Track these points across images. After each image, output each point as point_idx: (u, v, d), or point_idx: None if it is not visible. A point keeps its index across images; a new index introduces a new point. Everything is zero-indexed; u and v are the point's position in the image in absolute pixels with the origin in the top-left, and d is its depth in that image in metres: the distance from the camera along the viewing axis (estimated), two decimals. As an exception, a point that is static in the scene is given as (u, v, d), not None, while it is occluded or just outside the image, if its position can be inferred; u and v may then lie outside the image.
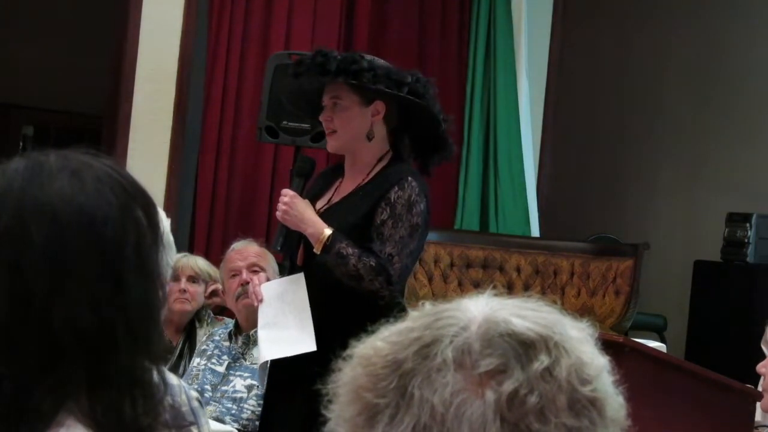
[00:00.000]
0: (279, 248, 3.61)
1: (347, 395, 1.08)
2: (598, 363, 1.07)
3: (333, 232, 3.40)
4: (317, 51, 3.51)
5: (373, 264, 3.37)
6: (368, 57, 3.54)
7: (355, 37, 6.62)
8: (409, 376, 1.04)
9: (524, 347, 1.04)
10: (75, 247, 1.25)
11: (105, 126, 6.46)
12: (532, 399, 1.02)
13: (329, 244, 3.39)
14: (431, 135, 3.58)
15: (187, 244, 6.08)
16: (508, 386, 1.02)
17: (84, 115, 8.66)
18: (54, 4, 9.05)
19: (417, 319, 1.09)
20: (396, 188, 3.44)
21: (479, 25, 7.03)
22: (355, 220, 3.46)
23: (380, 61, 3.55)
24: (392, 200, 3.43)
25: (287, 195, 3.52)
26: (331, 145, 3.57)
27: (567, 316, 1.11)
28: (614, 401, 1.07)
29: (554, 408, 1.02)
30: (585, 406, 1.03)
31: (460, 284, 6.26)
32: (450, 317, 1.07)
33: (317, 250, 3.41)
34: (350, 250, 3.38)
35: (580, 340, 1.08)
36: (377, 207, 3.44)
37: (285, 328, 3.46)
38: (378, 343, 1.09)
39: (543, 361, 1.03)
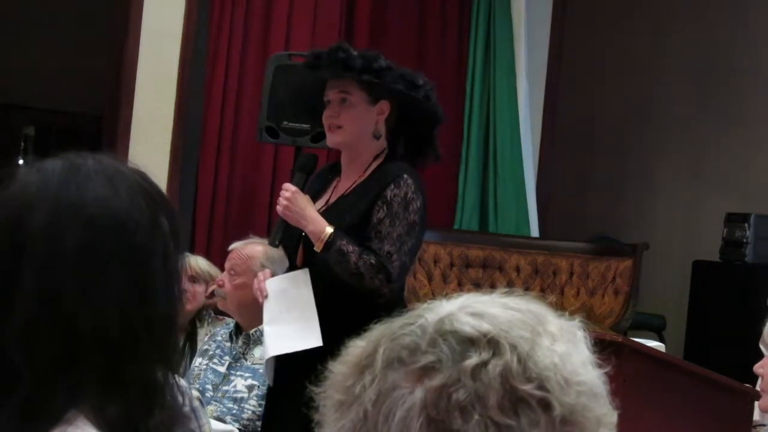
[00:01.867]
0: (277, 243, 3.60)
1: (326, 392, 1.09)
2: (570, 362, 1.04)
3: (334, 230, 3.41)
4: (338, 46, 3.49)
5: (373, 262, 3.37)
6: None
7: (355, 38, 6.62)
8: (362, 374, 1.05)
9: (462, 344, 1.03)
10: (107, 251, 1.25)
11: (106, 126, 6.47)
12: (459, 395, 1.00)
13: (330, 242, 3.39)
14: (423, 138, 3.59)
15: (187, 244, 6.09)
16: (436, 382, 1.01)
17: (85, 116, 8.67)
18: (54, 4, 9.05)
19: (397, 319, 1.09)
20: (392, 186, 3.44)
21: (479, 25, 7.03)
22: (352, 219, 3.46)
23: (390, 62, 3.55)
24: (388, 198, 3.43)
25: (289, 190, 3.50)
26: (334, 140, 3.55)
27: (552, 313, 1.08)
28: (580, 401, 1.03)
29: (483, 404, 1.00)
30: (528, 404, 1.01)
31: (459, 284, 6.26)
32: (419, 316, 1.08)
33: (318, 248, 3.41)
34: (351, 248, 3.38)
35: (553, 338, 1.05)
36: (374, 205, 3.44)
37: (290, 323, 3.45)
38: (359, 342, 1.10)
39: (476, 357, 1.02)
